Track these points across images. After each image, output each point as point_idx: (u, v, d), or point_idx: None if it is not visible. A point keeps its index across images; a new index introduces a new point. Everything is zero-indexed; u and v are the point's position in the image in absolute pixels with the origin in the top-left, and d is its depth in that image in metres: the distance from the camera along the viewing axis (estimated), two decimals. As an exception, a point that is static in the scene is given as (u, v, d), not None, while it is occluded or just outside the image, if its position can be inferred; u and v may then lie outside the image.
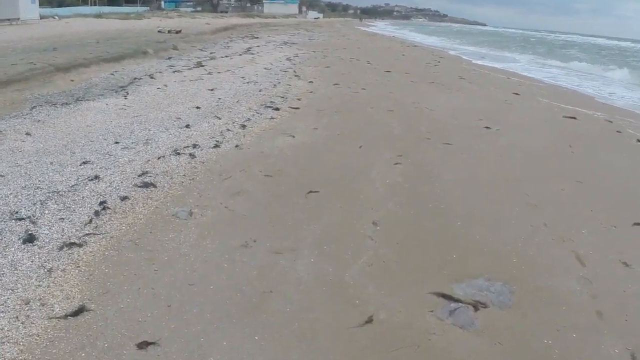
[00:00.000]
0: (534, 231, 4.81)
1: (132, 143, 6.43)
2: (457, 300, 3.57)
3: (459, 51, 34.77)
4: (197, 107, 8.72)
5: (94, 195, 4.74)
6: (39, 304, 3.14)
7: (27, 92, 8.83)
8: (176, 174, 5.53)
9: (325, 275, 3.76)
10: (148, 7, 56.83)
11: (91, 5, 48.07)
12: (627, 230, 5.04)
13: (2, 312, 3.04)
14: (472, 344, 3.14)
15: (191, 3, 76.74)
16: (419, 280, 3.80)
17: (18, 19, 23.82)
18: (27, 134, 6.50)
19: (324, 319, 3.26)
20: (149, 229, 4.25)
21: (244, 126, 7.79)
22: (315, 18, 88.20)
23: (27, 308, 3.09)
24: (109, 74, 11.50)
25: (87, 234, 4.02)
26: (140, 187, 5.07)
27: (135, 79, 11.18)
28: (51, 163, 5.50)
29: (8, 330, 2.88)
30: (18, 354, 2.72)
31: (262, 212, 4.77)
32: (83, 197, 4.68)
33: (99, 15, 33.98)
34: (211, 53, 17.88)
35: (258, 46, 22.46)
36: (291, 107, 9.47)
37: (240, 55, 18.12)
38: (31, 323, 2.97)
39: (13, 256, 3.63)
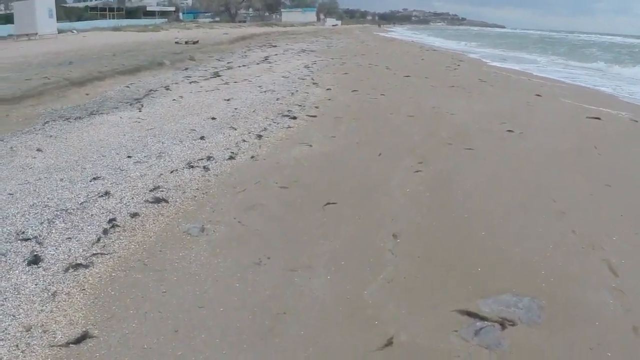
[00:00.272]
0: (562, 239, 4.52)
1: (145, 157, 6.30)
2: (482, 318, 3.32)
3: (478, 54, 34.29)
4: (213, 118, 8.59)
5: (103, 213, 4.60)
6: (40, 331, 2.99)
7: (40, 107, 8.80)
8: (189, 188, 5.37)
9: (343, 294, 3.55)
10: (166, 19, 57.41)
11: (109, 18, 48.73)
12: (663, 237, 4.72)
13: (2, 339, 2.90)
14: (502, 369, 2.89)
15: (209, 14, 77.41)
16: (442, 296, 3.56)
17: (36, 33, 24.07)
18: (39, 149, 6.43)
19: (341, 343, 3.05)
20: (159, 247, 4.09)
21: (260, 136, 7.63)
22: (333, 25, 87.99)
23: (27, 335, 2.95)
24: (125, 86, 11.47)
25: (95, 254, 3.87)
26: (151, 202, 4.92)
27: (150, 90, 11.12)
28: (61, 179, 5.40)
29: (7, 360, 2.73)
30: (15, 387, 2.56)
31: (276, 227, 4.58)
32: (92, 215, 4.54)
33: (117, 29, 34.43)
34: (228, 63, 17.82)
35: (276, 54, 22.36)
36: (309, 115, 9.28)
37: (258, 64, 18.03)
38: (31, 352, 2.82)
39: (17, 279, 3.49)
